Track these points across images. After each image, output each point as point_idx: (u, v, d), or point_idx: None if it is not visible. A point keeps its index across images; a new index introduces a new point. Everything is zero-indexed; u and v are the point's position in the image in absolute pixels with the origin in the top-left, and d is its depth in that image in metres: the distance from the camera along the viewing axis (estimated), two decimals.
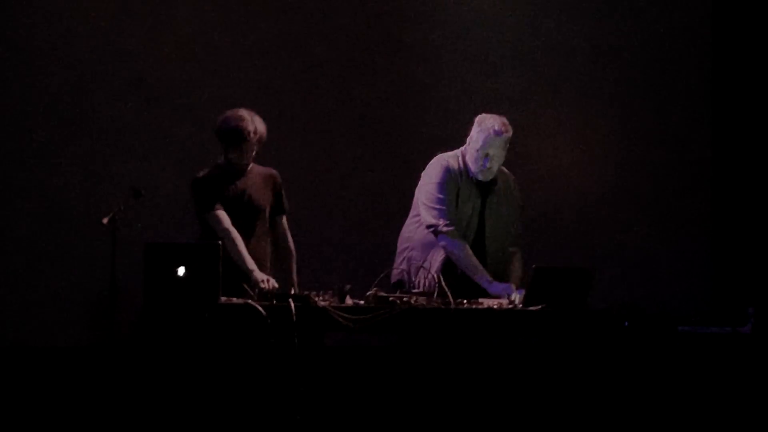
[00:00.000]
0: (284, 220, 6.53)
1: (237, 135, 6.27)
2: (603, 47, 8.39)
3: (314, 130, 8.02)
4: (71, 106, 7.69)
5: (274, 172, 6.49)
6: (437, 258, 6.29)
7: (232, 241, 6.16)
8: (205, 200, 6.28)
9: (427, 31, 8.21)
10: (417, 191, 6.43)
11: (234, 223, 6.26)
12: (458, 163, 6.33)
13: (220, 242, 5.71)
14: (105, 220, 5.99)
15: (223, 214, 6.24)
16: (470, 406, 6.03)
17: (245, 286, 5.76)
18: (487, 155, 6.24)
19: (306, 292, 5.68)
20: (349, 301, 5.73)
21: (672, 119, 8.47)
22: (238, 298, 5.64)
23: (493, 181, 6.36)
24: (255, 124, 6.31)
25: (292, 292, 5.83)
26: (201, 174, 6.36)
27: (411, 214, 6.46)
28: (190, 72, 7.86)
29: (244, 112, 6.33)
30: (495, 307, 5.88)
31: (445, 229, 6.24)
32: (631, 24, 8.43)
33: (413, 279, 6.29)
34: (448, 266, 6.25)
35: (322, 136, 8.04)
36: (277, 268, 6.46)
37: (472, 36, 8.26)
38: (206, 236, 6.26)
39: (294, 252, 6.51)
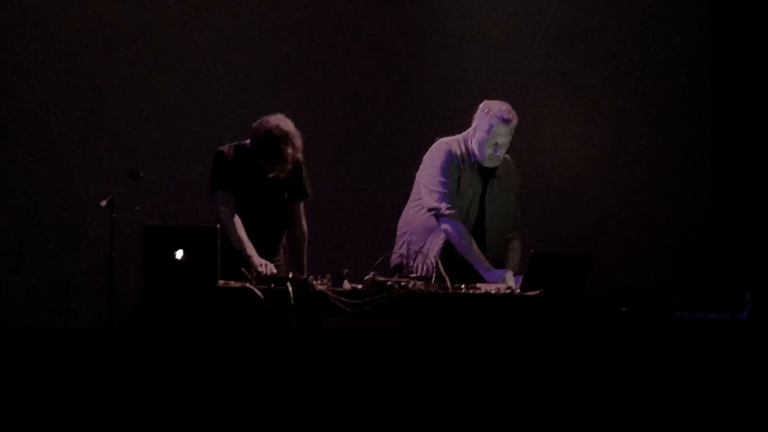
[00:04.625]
0: (302, 205, 6.42)
1: (275, 155, 6.08)
2: (606, 42, 8.39)
3: (316, 113, 8.01)
4: (71, 88, 7.68)
5: (297, 156, 6.26)
6: (436, 242, 6.29)
7: (233, 225, 6.09)
8: (219, 178, 6.17)
9: (432, 23, 8.22)
10: (418, 175, 6.43)
11: (253, 210, 6.18)
12: (460, 148, 6.33)
13: (218, 225, 5.69)
14: (103, 203, 5.98)
15: (230, 197, 6.16)
16: (468, 391, 6.04)
17: (243, 269, 5.75)
18: (496, 144, 6.24)
19: (304, 276, 5.68)
20: (347, 285, 5.72)
21: (673, 106, 8.47)
22: (236, 281, 5.63)
23: (494, 167, 6.36)
24: (295, 144, 6.08)
25: (290, 275, 5.83)
26: (226, 150, 6.21)
27: (411, 198, 6.46)
28: (193, 56, 7.85)
29: (288, 129, 6.09)
30: (493, 292, 5.88)
31: (447, 212, 6.24)
32: (634, 20, 8.44)
33: (412, 263, 6.30)
34: (447, 251, 6.25)
35: (324, 120, 8.04)
36: (288, 252, 6.42)
37: (477, 32, 8.28)
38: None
39: (306, 237, 6.43)
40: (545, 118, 8.21)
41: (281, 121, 6.14)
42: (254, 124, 6.18)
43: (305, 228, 6.43)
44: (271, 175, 6.20)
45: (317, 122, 8.00)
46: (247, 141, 6.24)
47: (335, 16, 8.10)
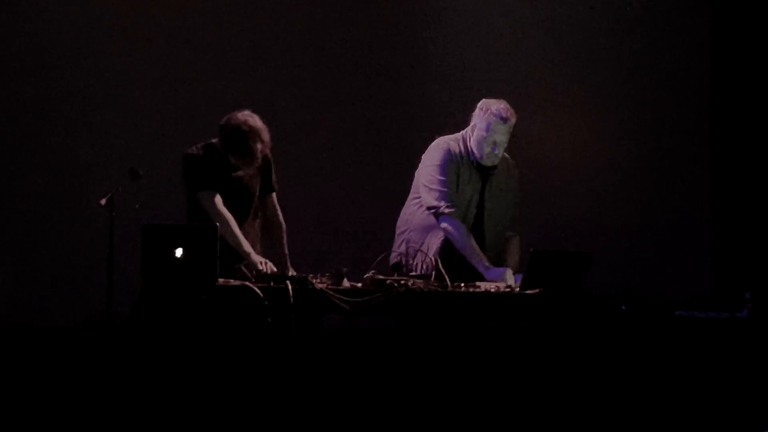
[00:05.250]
0: (273, 196, 6.44)
1: (244, 150, 6.12)
2: (606, 40, 8.40)
3: (316, 112, 8.02)
4: (71, 86, 7.68)
5: (266, 151, 6.29)
6: (435, 241, 6.29)
7: (227, 223, 6.09)
8: (199, 178, 6.18)
9: (430, 18, 8.22)
10: (417, 173, 6.43)
11: (228, 208, 6.18)
12: (459, 147, 6.33)
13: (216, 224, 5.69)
14: (102, 201, 5.98)
15: (216, 196, 6.16)
16: (467, 390, 6.04)
17: (243, 268, 5.75)
18: (495, 143, 6.24)
19: (303, 275, 5.68)
20: (346, 283, 5.72)
21: (673, 106, 8.47)
22: (233, 280, 5.63)
23: (493, 165, 6.36)
24: (263, 139, 6.12)
25: (290, 273, 5.82)
26: (194, 151, 6.24)
27: (410, 196, 6.46)
28: (190, 55, 7.86)
29: (256, 125, 6.11)
30: (492, 290, 5.88)
31: (446, 210, 6.24)
32: (634, 18, 8.44)
33: (411, 262, 6.30)
34: (447, 249, 6.25)
35: (324, 119, 8.04)
36: (267, 245, 6.41)
37: (477, 31, 8.28)
38: (194, 213, 6.19)
39: (284, 226, 6.43)
40: (545, 117, 8.21)
41: (249, 117, 6.16)
42: (222, 121, 6.20)
43: (281, 219, 6.44)
44: (239, 173, 6.20)
45: (317, 121, 8.01)
46: (214, 140, 6.25)
47: (335, 15, 8.11)
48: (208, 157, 6.22)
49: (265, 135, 6.15)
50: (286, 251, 6.39)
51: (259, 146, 6.11)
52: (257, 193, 6.36)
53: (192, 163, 6.22)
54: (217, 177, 6.20)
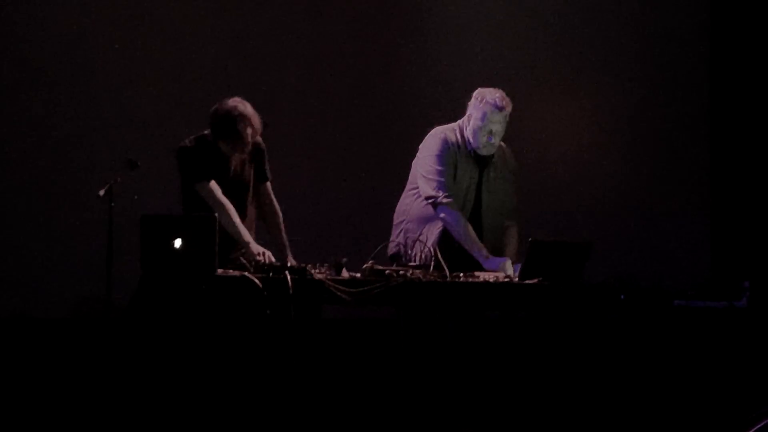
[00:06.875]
0: (268, 185, 6.40)
1: (234, 136, 6.09)
2: (605, 34, 8.40)
3: (314, 105, 8.01)
4: (69, 78, 7.68)
5: (257, 140, 6.27)
6: (434, 231, 6.29)
7: (227, 213, 6.09)
8: (196, 170, 6.17)
9: (431, 14, 8.23)
10: (414, 163, 6.43)
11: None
12: (456, 136, 6.33)
13: (215, 214, 5.69)
14: (101, 192, 5.97)
15: (215, 186, 6.16)
16: (466, 380, 6.05)
17: (241, 258, 5.74)
18: (491, 132, 6.24)
19: (302, 265, 5.68)
20: (345, 273, 5.72)
21: (672, 96, 8.47)
22: (234, 270, 5.63)
23: (490, 155, 6.36)
24: (253, 125, 6.10)
25: (290, 262, 5.82)
26: (188, 143, 6.23)
27: (408, 186, 6.46)
28: (189, 44, 7.85)
29: (246, 111, 6.10)
30: (491, 280, 5.89)
31: (444, 200, 6.24)
32: (633, 13, 8.44)
33: (410, 252, 6.30)
34: (445, 239, 6.25)
35: (322, 110, 8.04)
36: (265, 234, 6.39)
37: (477, 26, 8.28)
38: (190, 205, 6.17)
39: (280, 214, 6.40)
40: (545, 109, 8.21)
41: (239, 103, 6.15)
42: (212, 109, 6.19)
43: (277, 207, 6.40)
44: (232, 164, 6.18)
45: (315, 113, 8.01)
46: (206, 132, 6.23)
47: (335, 11, 8.11)
48: (201, 149, 6.20)
49: (256, 121, 6.13)
50: (285, 239, 6.37)
51: (249, 131, 6.10)
52: (251, 183, 6.34)
53: (186, 156, 6.21)
54: (212, 168, 6.18)
